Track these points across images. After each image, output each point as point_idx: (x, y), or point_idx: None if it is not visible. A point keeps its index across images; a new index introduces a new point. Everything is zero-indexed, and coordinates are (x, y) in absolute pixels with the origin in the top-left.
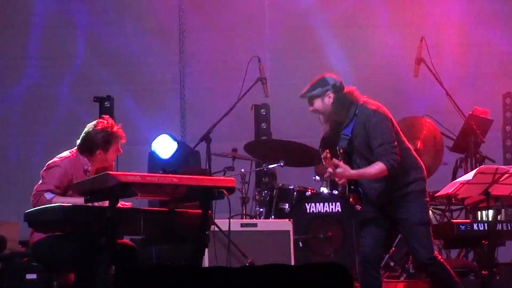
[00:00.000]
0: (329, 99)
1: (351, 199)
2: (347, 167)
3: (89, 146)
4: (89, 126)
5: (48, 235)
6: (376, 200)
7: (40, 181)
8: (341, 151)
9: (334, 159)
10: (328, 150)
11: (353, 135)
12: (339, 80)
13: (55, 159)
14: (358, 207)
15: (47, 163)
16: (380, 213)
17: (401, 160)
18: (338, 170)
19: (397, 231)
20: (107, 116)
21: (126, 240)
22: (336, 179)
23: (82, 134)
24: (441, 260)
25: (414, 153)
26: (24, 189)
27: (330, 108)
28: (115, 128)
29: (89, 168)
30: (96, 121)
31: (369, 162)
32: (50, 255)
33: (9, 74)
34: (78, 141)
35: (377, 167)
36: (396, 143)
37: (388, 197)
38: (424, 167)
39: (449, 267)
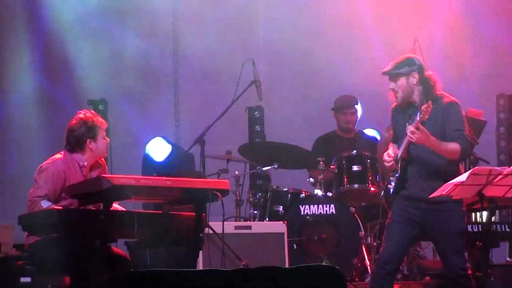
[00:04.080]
0: (413, 79)
1: (393, 183)
2: (428, 133)
3: (77, 141)
4: (69, 127)
5: (42, 238)
6: (419, 191)
7: (34, 186)
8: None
9: (418, 123)
10: (431, 102)
11: (428, 118)
12: (422, 63)
13: (47, 161)
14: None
15: (39, 166)
16: (410, 219)
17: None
18: (422, 131)
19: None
20: (84, 110)
21: (121, 250)
22: (410, 142)
23: (67, 134)
24: (471, 273)
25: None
26: (18, 192)
27: (412, 89)
28: (94, 117)
29: (85, 163)
30: (72, 119)
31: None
32: (44, 258)
33: (8, 78)
34: (66, 143)
35: (453, 145)
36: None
37: (430, 192)
38: None
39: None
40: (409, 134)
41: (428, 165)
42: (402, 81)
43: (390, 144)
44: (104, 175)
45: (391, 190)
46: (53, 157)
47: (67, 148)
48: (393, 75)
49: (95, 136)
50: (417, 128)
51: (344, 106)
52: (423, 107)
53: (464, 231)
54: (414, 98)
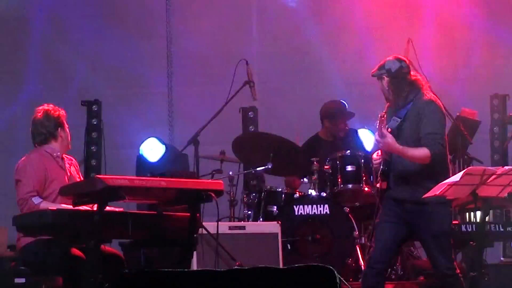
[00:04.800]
0: (385, 82)
1: (378, 184)
2: (394, 140)
3: (49, 132)
4: (35, 121)
5: (36, 239)
6: (401, 192)
7: (18, 185)
8: (389, 130)
9: (384, 129)
10: (385, 112)
11: (405, 119)
12: (398, 65)
13: (22, 159)
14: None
15: (16, 166)
16: (399, 219)
17: (441, 159)
18: (386, 140)
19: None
20: (40, 106)
21: (114, 250)
22: (379, 149)
23: (36, 128)
24: (459, 272)
25: (449, 162)
26: (11, 193)
27: (386, 90)
28: (55, 108)
29: (58, 153)
30: (35, 113)
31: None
32: (38, 259)
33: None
34: (35, 137)
35: (421, 151)
36: (445, 136)
37: (414, 194)
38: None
39: (463, 282)
40: (375, 142)
41: (407, 167)
42: (379, 83)
43: None
44: (77, 171)
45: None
46: (25, 155)
47: (38, 141)
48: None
49: (62, 124)
50: (382, 136)
51: (343, 116)
52: (380, 114)
53: (450, 231)
54: (395, 101)
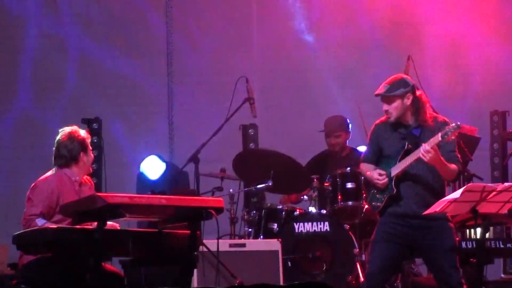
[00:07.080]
0: (407, 100)
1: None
2: (439, 152)
3: (71, 155)
4: (60, 141)
5: (37, 257)
6: (417, 208)
7: (28, 204)
8: (410, 147)
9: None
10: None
11: (422, 137)
12: (413, 82)
13: (40, 178)
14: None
15: (33, 184)
16: (401, 239)
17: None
18: (434, 154)
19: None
20: (66, 128)
21: (115, 268)
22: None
23: (58, 150)
24: None
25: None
26: (13, 211)
27: (406, 109)
28: (81, 132)
29: (77, 177)
30: (60, 134)
31: (426, 165)
32: (39, 277)
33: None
34: (56, 159)
35: (454, 166)
36: None
37: (425, 209)
38: None
39: None
40: (423, 153)
41: (425, 183)
42: (397, 103)
43: (364, 164)
44: (94, 193)
45: (375, 207)
46: (45, 174)
47: (59, 164)
48: (387, 97)
49: (86, 149)
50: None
51: (329, 131)
52: (449, 127)
53: (457, 246)
54: (406, 118)
